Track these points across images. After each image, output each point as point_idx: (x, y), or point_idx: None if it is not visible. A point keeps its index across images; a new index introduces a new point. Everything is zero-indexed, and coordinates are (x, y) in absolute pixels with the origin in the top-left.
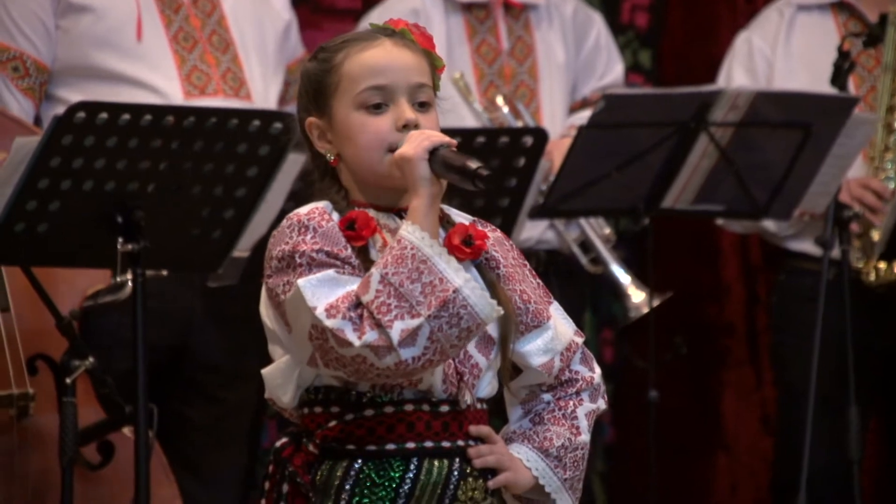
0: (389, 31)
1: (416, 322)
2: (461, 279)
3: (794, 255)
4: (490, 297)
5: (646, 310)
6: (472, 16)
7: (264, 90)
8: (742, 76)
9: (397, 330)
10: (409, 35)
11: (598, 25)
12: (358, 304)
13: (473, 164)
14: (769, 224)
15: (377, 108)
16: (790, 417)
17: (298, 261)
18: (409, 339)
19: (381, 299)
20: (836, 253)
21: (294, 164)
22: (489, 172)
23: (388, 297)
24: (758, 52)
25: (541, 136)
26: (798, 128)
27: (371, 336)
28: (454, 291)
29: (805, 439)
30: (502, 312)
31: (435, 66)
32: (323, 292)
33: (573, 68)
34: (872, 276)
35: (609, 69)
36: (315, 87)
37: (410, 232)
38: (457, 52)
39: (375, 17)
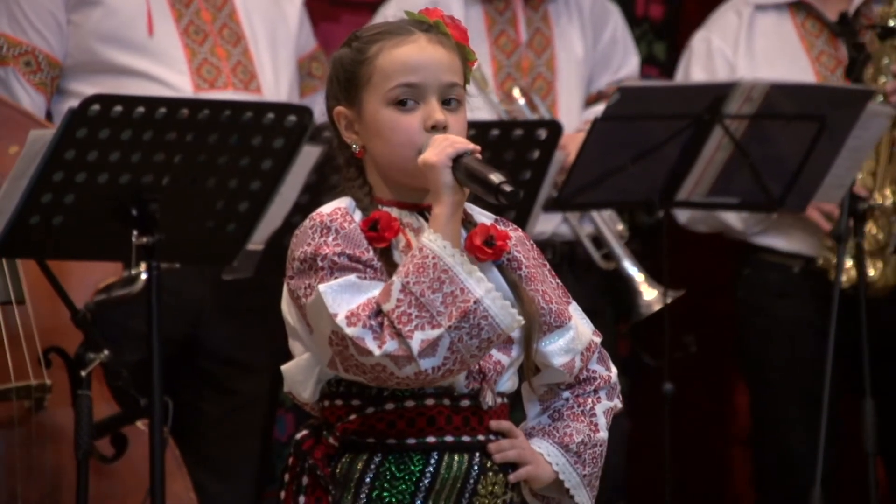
0: (425, 26)
1: (436, 333)
2: (482, 290)
3: (759, 250)
4: (512, 304)
5: (657, 307)
6: (491, 7)
7: (275, 83)
8: (701, 76)
9: (417, 340)
10: (443, 28)
11: (615, 18)
12: (378, 312)
13: (497, 179)
14: (734, 220)
15: (407, 106)
16: (763, 411)
17: (320, 264)
18: (430, 350)
19: (402, 309)
20: (799, 247)
21: (309, 156)
22: (512, 189)
23: (408, 306)
24: (717, 53)
25: (555, 128)
26: (813, 120)
27: (391, 346)
28: (475, 302)
29: (821, 433)
30: (523, 322)
31: (467, 59)
32: (344, 299)
33: (590, 62)
34: (844, 277)
35: (625, 62)
36: (347, 76)
37: (432, 240)
38: (475, 44)
39: (394, 7)
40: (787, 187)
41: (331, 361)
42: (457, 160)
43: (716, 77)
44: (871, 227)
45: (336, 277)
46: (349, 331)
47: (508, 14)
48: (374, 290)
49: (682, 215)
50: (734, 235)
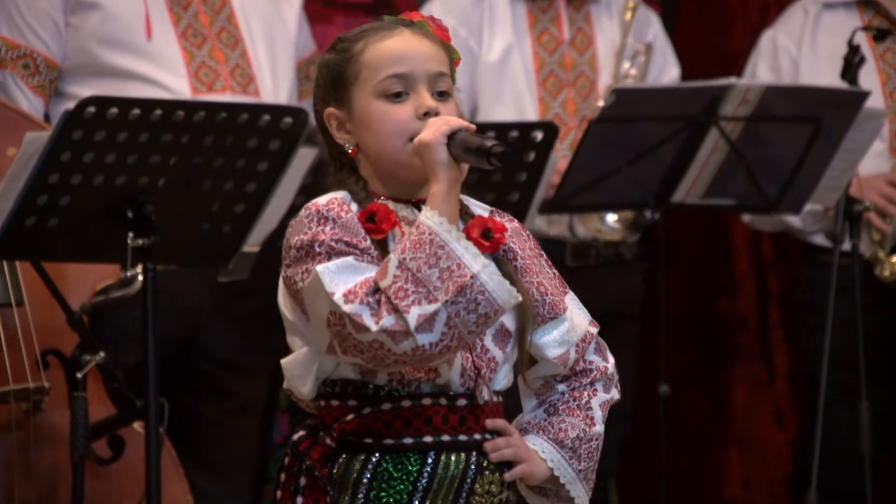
0: (407, 22)
1: (433, 307)
2: (479, 265)
3: (819, 250)
4: (508, 283)
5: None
6: (535, 6)
7: (274, 86)
8: (767, 75)
9: (414, 315)
10: (426, 27)
11: (655, 27)
12: (376, 289)
13: (489, 143)
14: (794, 220)
15: (398, 97)
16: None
17: (318, 250)
18: (427, 325)
19: (399, 284)
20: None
21: (305, 158)
22: (504, 149)
23: (405, 282)
24: (783, 51)
25: (551, 130)
26: (808, 122)
27: (388, 321)
28: (472, 277)
29: (816, 433)
30: (521, 299)
31: (451, 59)
32: (342, 278)
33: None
34: (887, 272)
35: (663, 72)
36: (334, 77)
37: (429, 217)
38: (519, 40)
39: (438, 7)
40: (782, 189)
41: (329, 346)
42: (452, 137)
43: (782, 76)
44: None
45: (333, 260)
46: (346, 308)
47: (551, 13)
48: (371, 272)
49: (745, 214)
50: (795, 234)
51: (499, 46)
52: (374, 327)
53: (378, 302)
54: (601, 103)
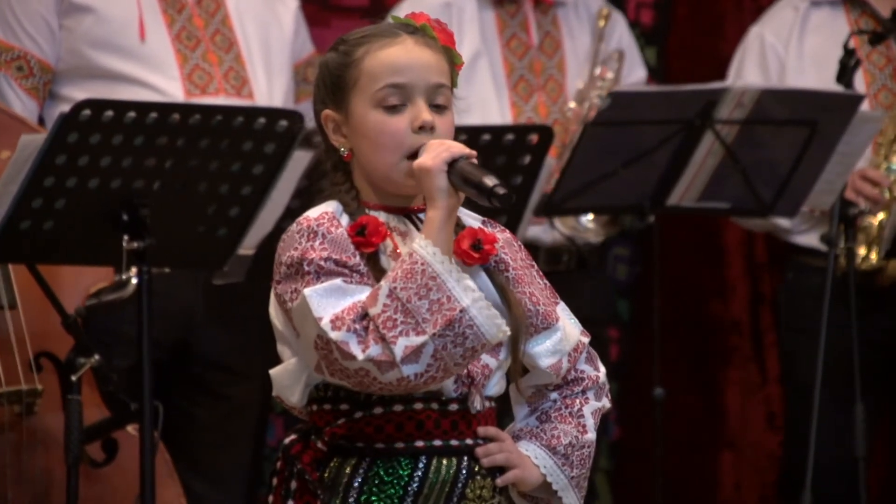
0: (411, 28)
1: (420, 339)
2: (469, 298)
3: (802, 252)
4: (500, 310)
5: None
6: (503, 11)
7: (268, 89)
8: (753, 72)
9: (401, 346)
10: (430, 31)
11: (621, 27)
12: (364, 315)
13: (490, 182)
14: (782, 219)
15: (394, 108)
16: (799, 415)
17: (307, 268)
18: (413, 356)
19: (388, 314)
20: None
21: (300, 161)
22: (506, 192)
23: (394, 311)
24: (770, 49)
25: (546, 133)
26: (804, 125)
27: (374, 350)
28: (461, 311)
29: (811, 436)
30: (509, 333)
31: (454, 63)
32: (329, 302)
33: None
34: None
35: (631, 73)
36: (334, 80)
37: (423, 247)
38: (488, 47)
39: (407, 9)
40: (777, 192)
41: (317, 365)
42: (452, 164)
43: (769, 74)
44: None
45: (322, 282)
46: (333, 335)
47: (520, 18)
48: (360, 294)
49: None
50: (781, 235)
51: (466, 53)
52: (360, 356)
53: (365, 329)
54: (572, 105)
